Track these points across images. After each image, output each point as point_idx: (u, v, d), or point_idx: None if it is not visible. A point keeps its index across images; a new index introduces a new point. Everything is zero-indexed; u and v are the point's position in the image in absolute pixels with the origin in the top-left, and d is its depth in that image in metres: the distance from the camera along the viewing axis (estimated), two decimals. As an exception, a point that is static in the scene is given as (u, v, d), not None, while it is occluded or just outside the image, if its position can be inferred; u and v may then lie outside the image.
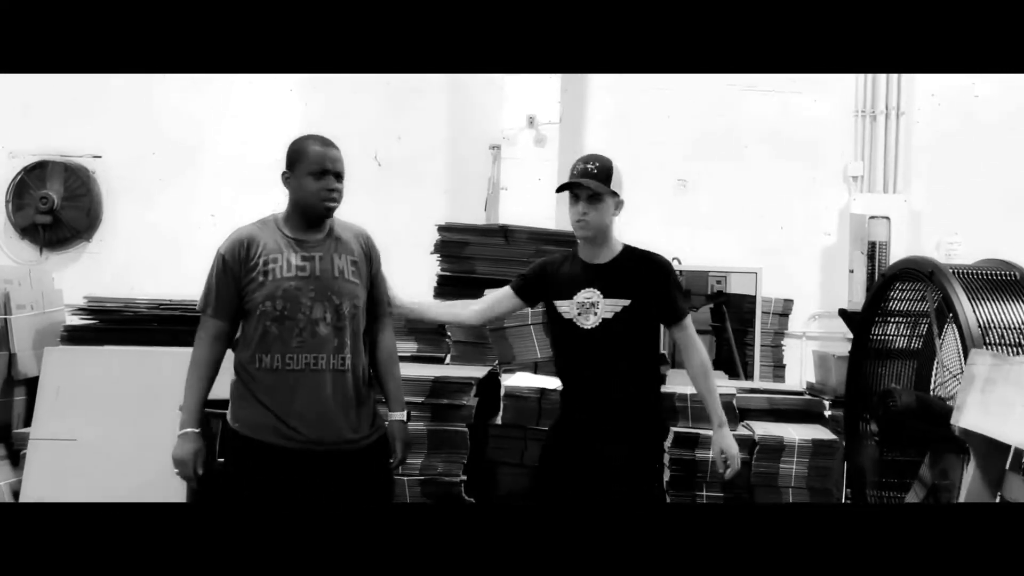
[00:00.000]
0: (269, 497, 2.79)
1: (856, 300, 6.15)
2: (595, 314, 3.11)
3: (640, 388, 3.16)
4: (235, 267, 2.86)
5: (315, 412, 2.85)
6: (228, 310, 2.89)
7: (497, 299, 3.39)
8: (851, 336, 6.01)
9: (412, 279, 5.84)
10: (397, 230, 6.30)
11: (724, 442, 3.20)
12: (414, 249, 6.06)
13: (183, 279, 3.87)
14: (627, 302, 3.10)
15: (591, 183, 3.11)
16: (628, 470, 3.06)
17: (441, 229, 4.53)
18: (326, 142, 2.94)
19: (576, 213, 3.14)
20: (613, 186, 3.13)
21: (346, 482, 2.87)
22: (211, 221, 6.18)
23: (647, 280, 3.15)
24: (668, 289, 3.18)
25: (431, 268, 5.43)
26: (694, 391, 3.29)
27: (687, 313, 3.22)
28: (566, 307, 3.16)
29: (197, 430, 2.88)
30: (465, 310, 3.46)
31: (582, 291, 3.14)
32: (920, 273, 3.79)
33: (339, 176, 2.94)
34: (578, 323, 3.13)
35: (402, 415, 3.13)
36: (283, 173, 2.93)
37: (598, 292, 3.12)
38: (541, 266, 3.35)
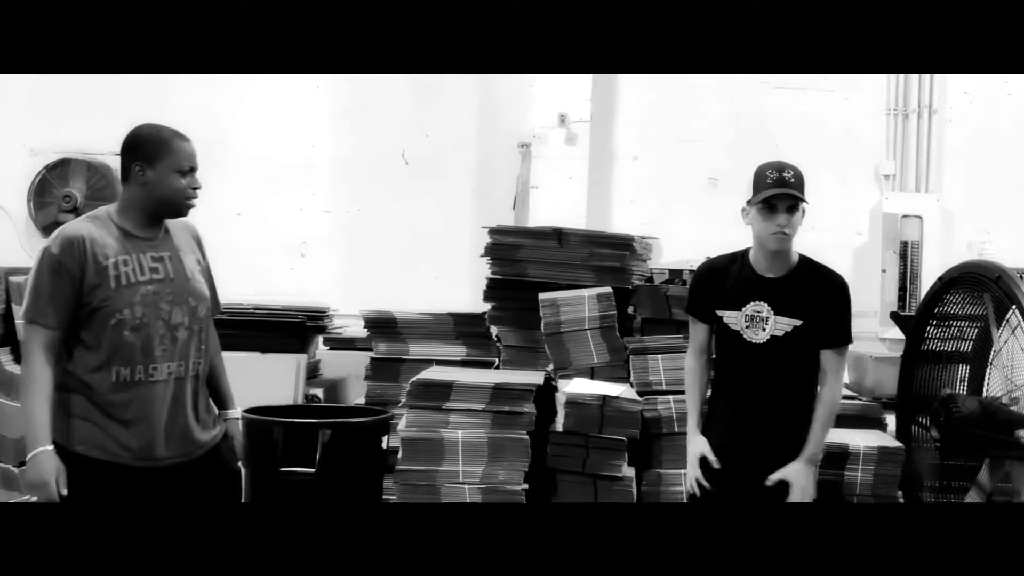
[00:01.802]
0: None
1: (889, 300, 6.13)
2: (764, 329, 3.02)
3: (801, 409, 3.09)
4: (73, 270, 2.58)
5: (180, 425, 2.71)
6: (63, 319, 2.60)
7: (696, 338, 3.25)
8: (883, 337, 6.06)
9: (441, 276, 5.90)
10: (425, 228, 6.33)
11: (798, 476, 3.03)
12: (442, 246, 6.08)
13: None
14: (799, 322, 3.01)
15: (798, 193, 2.98)
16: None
17: (492, 232, 4.45)
18: (184, 136, 2.77)
19: (774, 226, 2.97)
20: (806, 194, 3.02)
21: (203, 486, 2.74)
22: (236, 220, 6.12)
23: (823, 301, 3.05)
24: (842, 312, 3.09)
25: (461, 265, 5.41)
26: None
27: (851, 341, 3.14)
28: (732, 318, 3.07)
29: (52, 447, 2.57)
30: (703, 375, 3.26)
31: (751, 303, 3.04)
32: (985, 278, 3.77)
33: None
34: (746, 336, 3.04)
35: (239, 412, 3.01)
36: (135, 165, 2.69)
37: (768, 307, 3.03)
38: (705, 276, 3.22)
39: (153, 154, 2.70)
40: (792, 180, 2.98)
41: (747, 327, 3.04)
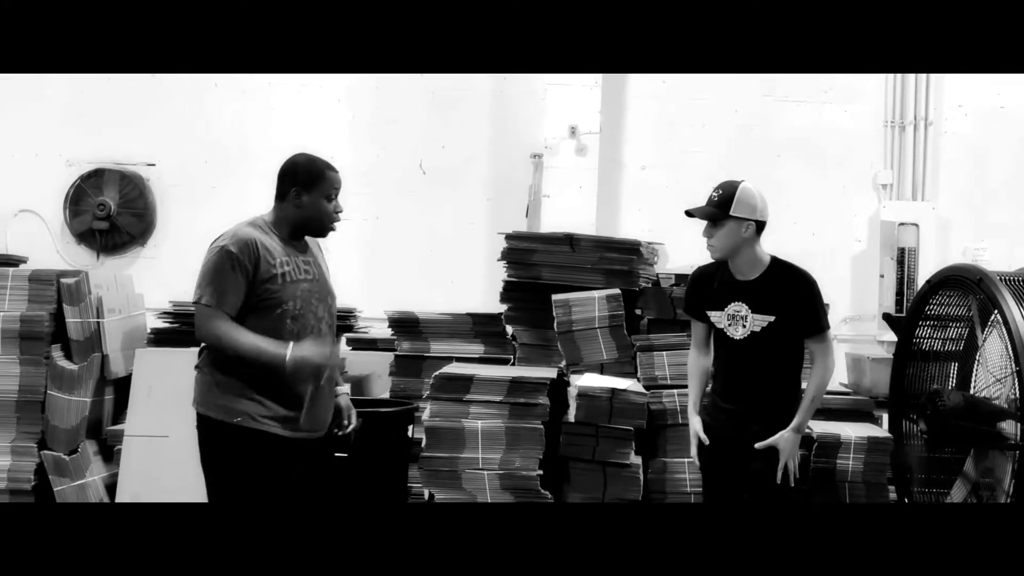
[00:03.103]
0: (286, 487, 2.97)
1: (886, 304, 6.37)
2: (744, 326, 3.36)
3: (785, 392, 3.42)
4: (248, 266, 2.95)
5: (323, 403, 3.09)
6: (238, 306, 2.96)
7: (696, 334, 3.60)
8: (880, 339, 6.31)
9: (457, 280, 6.15)
10: (442, 234, 6.59)
11: (785, 444, 3.37)
12: (458, 252, 6.33)
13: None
14: (772, 318, 3.34)
15: (698, 210, 3.35)
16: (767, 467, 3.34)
17: (508, 237, 4.73)
18: (333, 167, 3.15)
19: (705, 238, 3.37)
20: (735, 210, 3.28)
21: (323, 465, 3.15)
22: (262, 227, 6.38)
23: (792, 297, 3.36)
24: (811, 305, 3.40)
25: (476, 270, 5.66)
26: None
27: (826, 328, 3.44)
28: (717, 317, 3.43)
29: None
30: (702, 365, 3.59)
31: (731, 304, 3.38)
32: (968, 280, 4.01)
33: None
34: (728, 332, 3.39)
35: (347, 388, 3.38)
36: (293, 189, 3.06)
37: (747, 306, 3.36)
38: (695, 282, 3.56)
39: (310, 182, 3.09)
40: (714, 199, 3.34)
41: (729, 325, 3.40)
